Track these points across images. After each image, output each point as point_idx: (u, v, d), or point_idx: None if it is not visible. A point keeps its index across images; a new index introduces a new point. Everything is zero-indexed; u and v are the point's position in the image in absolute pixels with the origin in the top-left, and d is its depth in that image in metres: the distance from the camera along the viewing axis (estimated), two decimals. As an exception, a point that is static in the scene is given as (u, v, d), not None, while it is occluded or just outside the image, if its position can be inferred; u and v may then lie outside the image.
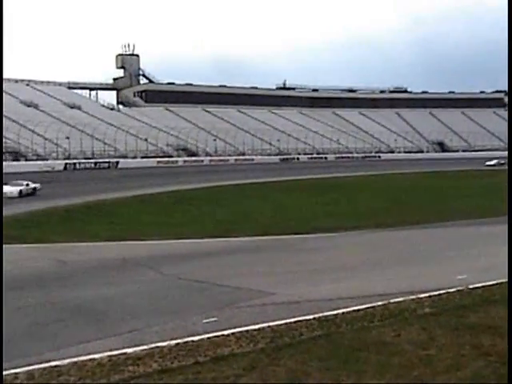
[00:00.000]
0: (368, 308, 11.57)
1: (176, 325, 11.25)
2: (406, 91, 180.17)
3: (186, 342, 9.68)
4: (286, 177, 65.67)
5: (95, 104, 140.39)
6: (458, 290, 12.92)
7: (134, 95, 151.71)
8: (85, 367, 8.66)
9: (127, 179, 64.28)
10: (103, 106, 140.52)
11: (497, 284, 13.41)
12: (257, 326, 10.45)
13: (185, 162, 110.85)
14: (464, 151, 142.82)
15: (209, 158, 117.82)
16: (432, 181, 60.89)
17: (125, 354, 9.17)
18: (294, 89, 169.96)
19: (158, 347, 9.45)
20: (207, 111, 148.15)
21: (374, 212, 33.12)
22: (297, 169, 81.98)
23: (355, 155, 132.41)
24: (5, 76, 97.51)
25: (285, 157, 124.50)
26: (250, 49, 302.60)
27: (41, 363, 8.77)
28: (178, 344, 9.56)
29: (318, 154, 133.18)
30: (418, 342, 9.24)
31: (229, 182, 58.71)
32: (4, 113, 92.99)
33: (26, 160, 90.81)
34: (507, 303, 10.54)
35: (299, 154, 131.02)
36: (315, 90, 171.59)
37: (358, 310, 11.41)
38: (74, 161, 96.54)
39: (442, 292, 12.79)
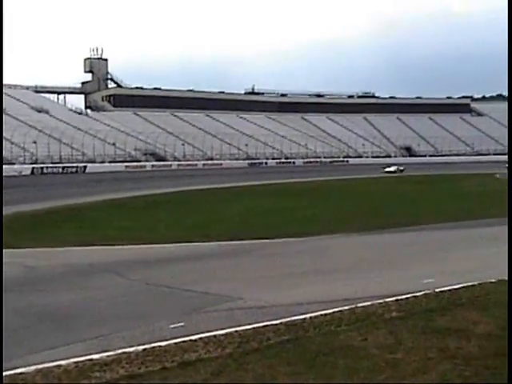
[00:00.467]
0: (335, 312, 11.57)
1: (143, 330, 11.17)
2: (373, 96, 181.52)
3: (154, 347, 9.61)
4: (254, 181, 65.80)
5: (63, 108, 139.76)
6: (425, 294, 12.96)
7: (102, 99, 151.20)
8: (51, 374, 8.55)
9: (95, 184, 64.00)
10: (71, 110, 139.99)
11: (463, 287, 13.50)
12: (224, 331, 10.41)
13: (153, 166, 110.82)
14: (431, 156, 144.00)
15: (177, 162, 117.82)
16: (402, 185, 61.29)
17: (91, 360, 9.09)
18: (262, 94, 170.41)
19: (124, 353, 9.37)
20: (175, 116, 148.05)
21: (342, 217, 33.21)
22: (265, 173, 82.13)
23: (323, 160, 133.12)
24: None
25: (253, 161, 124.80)
26: (219, 53, 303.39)
27: (5, 371, 8.65)
28: (145, 349, 9.50)
29: (286, 158, 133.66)
30: (385, 346, 9.27)
31: (197, 186, 58.73)
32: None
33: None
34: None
35: (267, 158, 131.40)
36: (283, 95, 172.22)
37: (326, 315, 11.41)
38: (42, 165, 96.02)
39: (409, 296, 12.83)
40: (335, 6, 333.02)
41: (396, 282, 15.59)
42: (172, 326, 11.27)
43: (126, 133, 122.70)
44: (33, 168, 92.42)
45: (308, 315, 11.41)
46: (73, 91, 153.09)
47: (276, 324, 10.79)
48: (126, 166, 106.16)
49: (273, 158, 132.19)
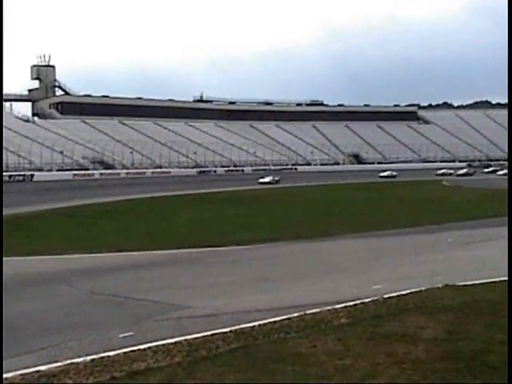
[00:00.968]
0: (284, 320, 11.58)
1: (91, 340, 11.07)
2: (322, 104, 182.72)
3: (102, 357, 9.52)
4: (203, 189, 65.79)
5: (9, 116, 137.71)
6: (374, 300, 13.06)
7: (50, 107, 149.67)
8: (-5, 387, 8.42)
9: (43, 192, 63.30)
10: (18, 117, 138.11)
11: (411, 293, 13.64)
12: (173, 340, 10.36)
13: (101, 174, 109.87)
14: (379, 163, 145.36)
15: (125, 170, 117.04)
16: (348, 193, 61.73)
17: (38, 371, 8.95)
18: (210, 101, 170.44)
19: (73, 363, 9.26)
20: (124, 124, 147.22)
21: (291, 224, 33.37)
22: (214, 181, 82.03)
23: (272, 167, 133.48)
24: None
25: (202, 169, 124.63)
26: (167, 61, 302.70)
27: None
28: (93, 360, 9.40)
29: (235, 166, 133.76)
30: (334, 352, 9.30)
31: (145, 194, 58.48)
32: None
33: None
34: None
35: (216, 166, 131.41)
36: (232, 103, 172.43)
37: (275, 322, 11.42)
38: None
39: (357, 302, 12.91)
40: (282, 13, 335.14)
41: (345, 288, 15.69)
42: (121, 335, 11.19)
43: (74, 141, 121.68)
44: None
45: (257, 323, 11.41)
46: (19, 98, 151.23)
47: (225, 332, 10.76)
48: (74, 175, 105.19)
49: (222, 166, 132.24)
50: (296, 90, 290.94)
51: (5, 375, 8.82)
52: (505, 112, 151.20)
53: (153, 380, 8.38)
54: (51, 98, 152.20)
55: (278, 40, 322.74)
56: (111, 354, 9.69)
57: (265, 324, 11.33)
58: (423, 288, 14.03)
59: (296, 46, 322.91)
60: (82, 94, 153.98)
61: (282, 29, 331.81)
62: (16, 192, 63.94)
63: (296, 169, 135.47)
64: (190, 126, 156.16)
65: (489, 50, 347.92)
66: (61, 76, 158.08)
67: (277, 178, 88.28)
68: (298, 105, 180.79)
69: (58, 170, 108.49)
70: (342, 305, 12.71)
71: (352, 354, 9.19)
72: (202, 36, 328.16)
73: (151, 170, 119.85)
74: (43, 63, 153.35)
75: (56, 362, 9.43)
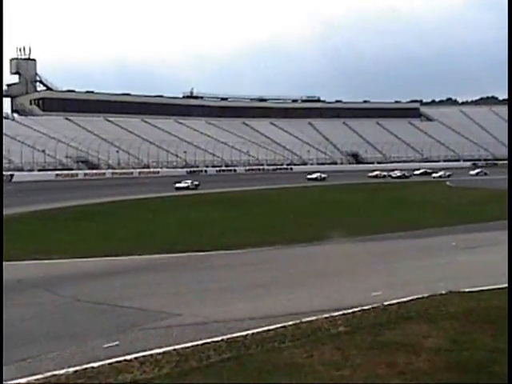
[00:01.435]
0: (279, 328, 11.57)
1: (74, 350, 11.03)
2: (318, 100, 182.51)
3: (86, 368, 9.48)
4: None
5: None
6: (373, 307, 13.05)
7: (31, 103, 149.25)
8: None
9: (23, 194, 63.11)
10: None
11: (412, 300, 13.63)
12: (161, 350, 10.33)
13: (85, 175, 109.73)
14: (379, 163, 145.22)
15: (111, 170, 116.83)
16: (345, 194, 61.75)
17: (18, 384, 8.94)
18: (201, 97, 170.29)
19: (54, 375, 9.23)
20: (109, 121, 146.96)
21: (283, 227, 33.38)
22: (204, 182, 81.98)
23: (266, 167, 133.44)
24: None
25: (192, 169, 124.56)
26: (155, 55, 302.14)
27: None
28: (76, 371, 9.36)
29: (226, 166, 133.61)
30: (332, 363, 9.28)
31: (132, 196, 58.46)
32: None
33: None
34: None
35: (207, 166, 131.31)
36: (224, 99, 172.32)
37: (269, 331, 11.40)
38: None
39: (356, 309, 12.90)
40: (275, 4, 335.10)
41: (342, 294, 15.68)
42: (106, 345, 11.15)
43: (57, 139, 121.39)
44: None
45: (250, 331, 11.39)
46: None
47: (216, 341, 10.74)
48: (57, 175, 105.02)
49: (213, 166, 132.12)
50: (291, 86, 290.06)
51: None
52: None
53: (140, 393, 8.36)
54: (32, 93, 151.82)
55: (272, 33, 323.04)
56: (95, 365, 9.66)
57: (258, 332, 11.31)
58: (426, 294, 14.03)
59: (291, 38, 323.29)
60: (64, 89, 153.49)
61: (275, 21, 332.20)
62: (-6, 193, 63.75)
63: (292, 168, 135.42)
64: (180, 123, 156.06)
65: (496, 43, 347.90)
66: (42, 70, 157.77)
67: (196, 183, 78.66)
68: (294, 101, 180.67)
69: (40, 170, 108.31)
70: (340, 312, 12.70)
71: (351, 365, 9.18)
72: (189, 28, 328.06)
73: (138, 170, 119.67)
74: (23, 56, 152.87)
75: (36, 374, 9.40)
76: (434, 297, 13.86)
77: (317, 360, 9.44)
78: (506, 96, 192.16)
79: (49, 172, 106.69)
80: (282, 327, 11.63)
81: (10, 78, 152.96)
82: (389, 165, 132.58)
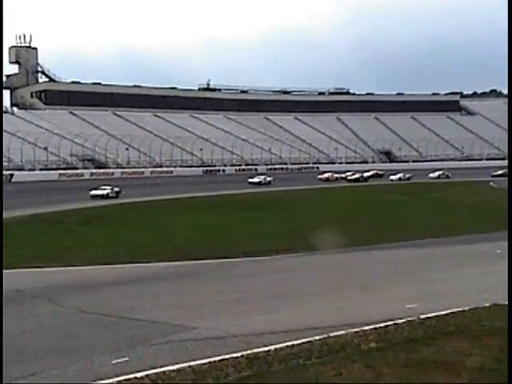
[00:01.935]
0: (304, 343, 11.56)
1: (80, 367, 11.06)
2: (347, 93, 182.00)
3: (92, 386, 9.54)
4: (209, 192, 65.79)
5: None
6: (408, 321, 13.01)
7: (32, 96, 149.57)
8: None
9: (23, 195, 63.40)
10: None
11: (452, 313, 13.58)
12: (175, 367, 10.34)
13: (92, 174, 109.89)
14: (414, 161, 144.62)
15: (120, 170, 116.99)
16: (376, 195, 61.62)
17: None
18: (219, 90, 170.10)
19: (57, 394, 9.29)
20: (118, 115, 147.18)
21: (308, 232, 33.31)
22: (222, 182, 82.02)
23: (290, 166, 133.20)
24: None
25: (208, 168, 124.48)
26: (166, 43, 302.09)
27: None
28: (82, 389, 9.42)
29: (246, 165, 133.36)
30: (362, 382, 9.27)
31: (143, 198, 58.48)
32: None
33: None
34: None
35: (225, 165, 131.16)
36: (244, 92, 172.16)
37: (293, 346, 11.40)
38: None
39: (389, 324, 12.87)
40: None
41: (373, 307, 15.64)
42: (114, 361, 11.18)
43: (61, 135, 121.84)
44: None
45: (272, 347, 11.38)
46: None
47: (236, 357, 10.75)
48: (61, 174, 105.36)
49: (231, 165, 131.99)
50: (317, 77, 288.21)
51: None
52: None
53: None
54: (33, 85, 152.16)
55: (296, 20, 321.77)
56: (103, 382, 9.68)
57: (281, 348, 11.30)
58: (466, 308, 13.97)
59: (317, 26, 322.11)
60: (68, 80, 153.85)
61: (299, 6, 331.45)
62: (-8, 194, 64.10)
63: (318, 168, 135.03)
64: (196, 118, 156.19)
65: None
66: (44, 60, 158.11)
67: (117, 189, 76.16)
68: (320, 94, 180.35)
69: (42, 170, 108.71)
70: (371, 326, 12.67)
71: (383, 384, 9.16)
72: (203, 14, 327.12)
73: (150, 170, 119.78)
74: (23, 44, 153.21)
75: (38, 392, 9.45)
76: (476, 310, 13.79)
77: (346, 379, 9.42)
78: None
79: (52, 171, 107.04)
80: (307, 342, 11.62)
81: (9, 68, 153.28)
82: (425, 163, 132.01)
